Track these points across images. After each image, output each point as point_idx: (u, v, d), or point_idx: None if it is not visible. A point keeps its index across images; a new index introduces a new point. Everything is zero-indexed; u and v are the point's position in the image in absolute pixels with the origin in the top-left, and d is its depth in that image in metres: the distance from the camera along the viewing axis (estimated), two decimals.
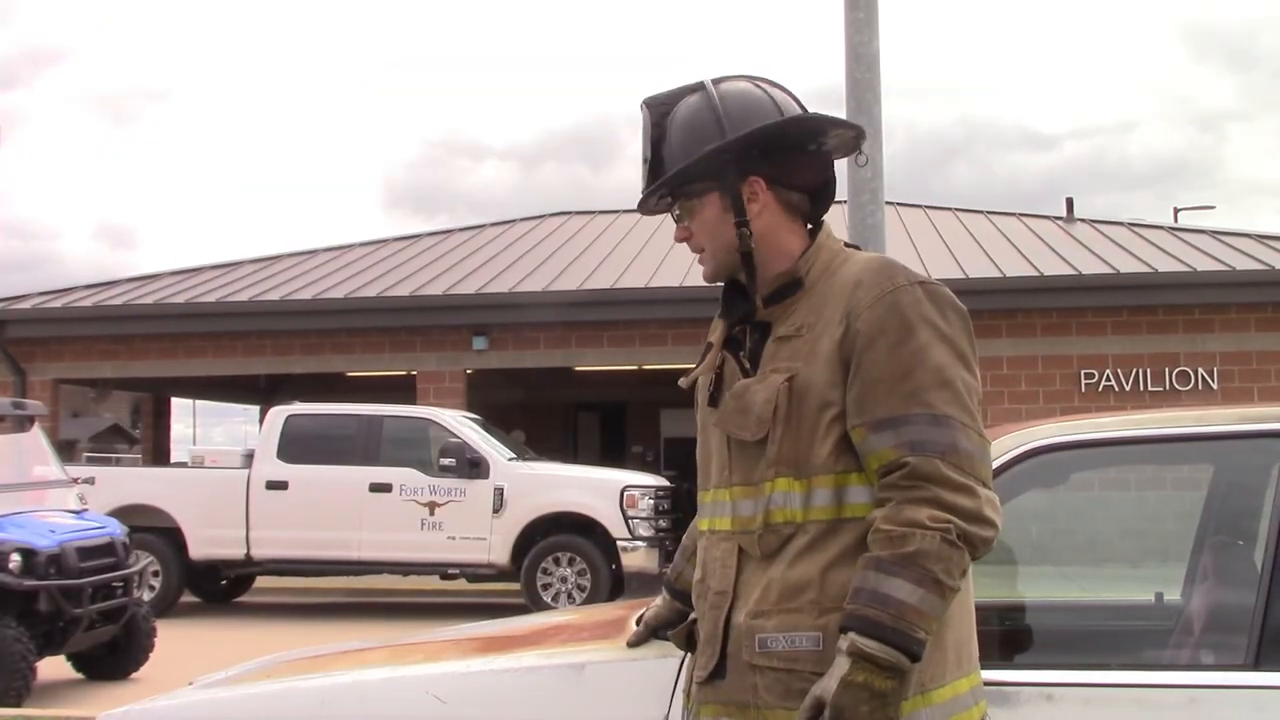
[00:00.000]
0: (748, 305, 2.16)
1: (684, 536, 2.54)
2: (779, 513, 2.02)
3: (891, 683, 1.86)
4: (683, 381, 2.31)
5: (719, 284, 2.23)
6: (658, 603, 2.55)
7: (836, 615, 1.93)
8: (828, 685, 1.87)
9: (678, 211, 2.19)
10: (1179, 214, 27.15)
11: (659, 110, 2.19)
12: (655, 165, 2.18)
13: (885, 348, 1.98)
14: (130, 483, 13.63)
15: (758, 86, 2.17)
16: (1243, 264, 15.24)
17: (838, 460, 2.00)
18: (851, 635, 1.87)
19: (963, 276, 14.83)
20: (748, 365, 2.13)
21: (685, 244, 2.21)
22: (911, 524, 1.89)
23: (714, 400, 2.17)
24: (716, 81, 2.18)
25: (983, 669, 2.14)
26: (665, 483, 13.07)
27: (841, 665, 1.87)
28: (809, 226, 2.18)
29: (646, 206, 2.27)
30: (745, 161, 2.11)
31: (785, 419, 2.02)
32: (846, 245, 2.19)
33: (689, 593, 2.43)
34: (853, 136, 2.20)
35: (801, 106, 2.19)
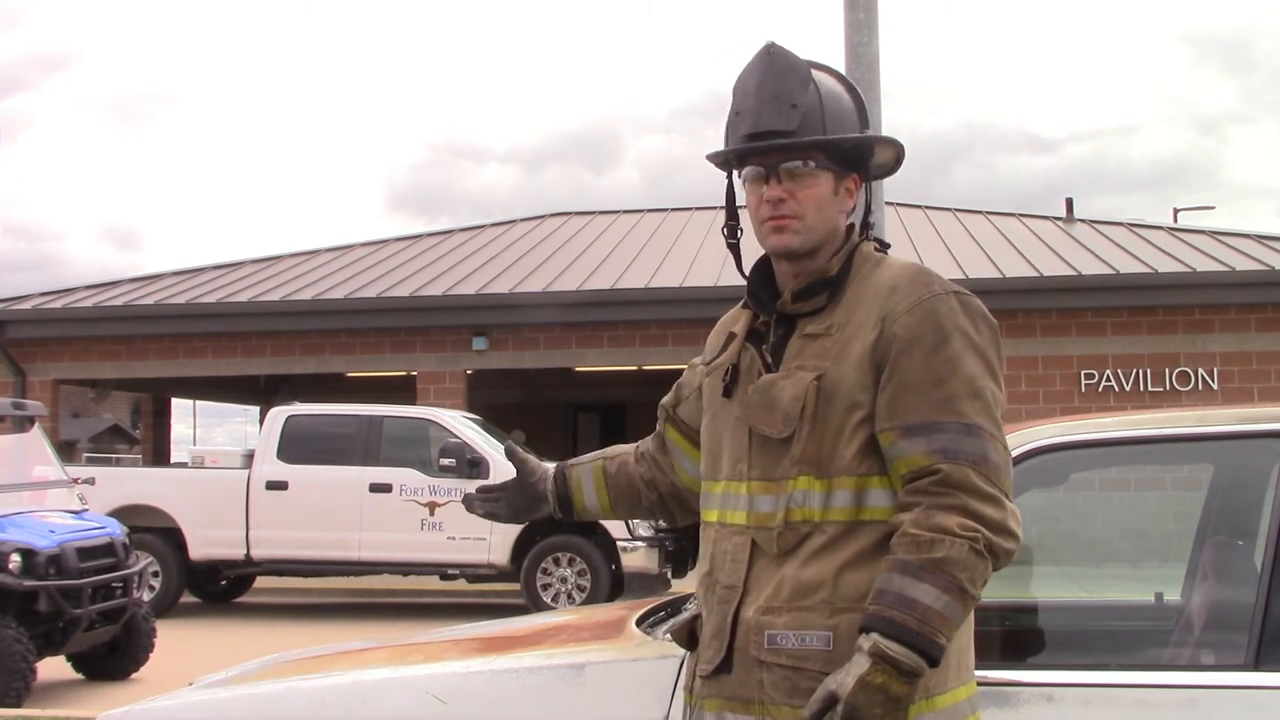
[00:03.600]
0: (775, 298, 2.15)
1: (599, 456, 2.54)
2: (798, 511, 2.02)
3: (908, 687, 1.86)
4: (703, 368, 2.30)
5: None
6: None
7: (848, 616, 1.94)
8: (844, 681, 1.87)
9: (794, 166, 2.09)
10: (1178, 214, 27.15)
11: (807, 70, 2.14)
12: (807, 119, 2.08)
13: (920, 354, 1.99)
14: (130, 483, 13.60)
15: None
16: (1243, 264, 15.24)
17: (861, 462, 2.00)
18: (875, 636, 1.87)
19: (963, 277, 14.81)
20: (769, 359, 2.12)
21: (771, 202, 2.10)
22: (941, 530, 1.90)
23: (728, 391, 2.16)
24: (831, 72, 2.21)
25: (983, 669, 2.14)
26: None
27: (861, 664, 1.87)
28: None
29: (765, 147, 2.10)
30: (864, 161, 2.18)
31: (812, 418, 2.02)
32: (878, 249, 2.19)
33: (564, 477, 2.50)
34: (884, 174, 2.30)
35: None
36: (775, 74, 2.11)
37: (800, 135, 2.09)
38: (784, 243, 2.11)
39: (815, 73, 2.16)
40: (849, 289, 2.10)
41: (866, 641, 1.87)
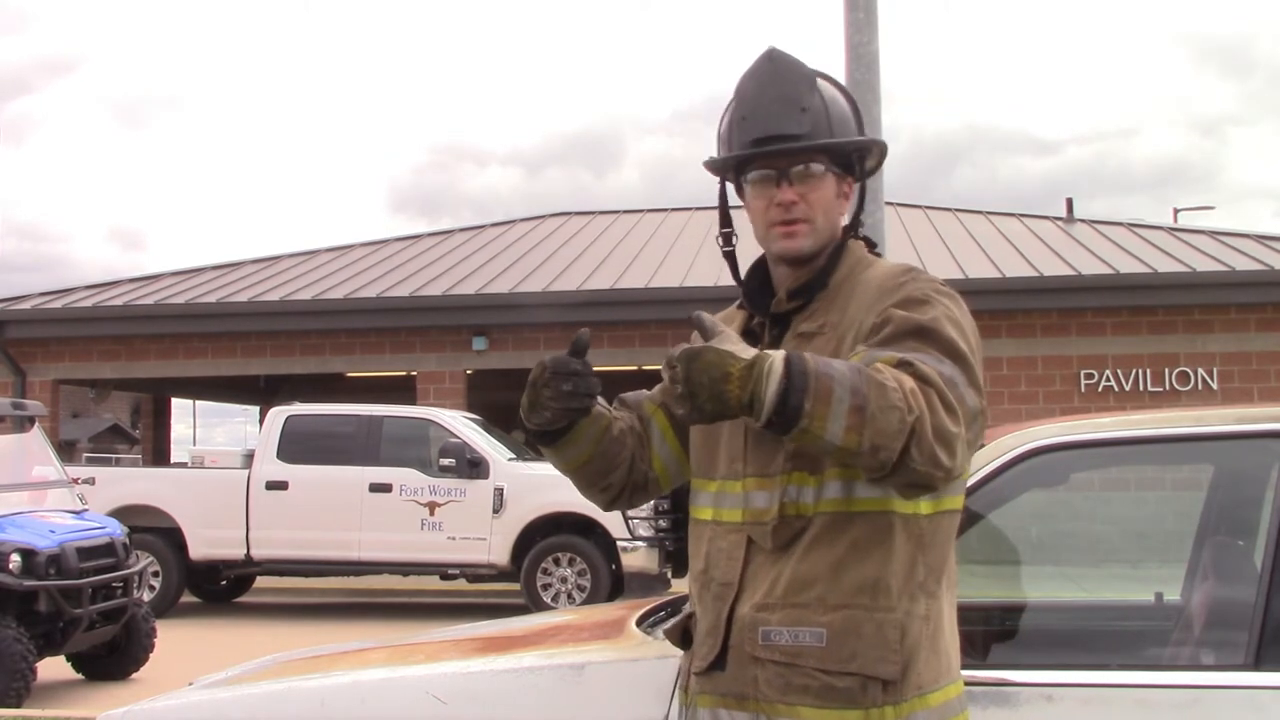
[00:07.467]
0: (770, 299, 2.16)
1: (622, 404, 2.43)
2: (793, 506, 2.01)
3: (740, 391, 1.78)
4: None
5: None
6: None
7: (843, 612, 1.94)
8: (714, 346, 1.81)
9: (803, 169, 2.11)
10: (1178, 215, 27.14)
11: (812, 74, 2.16)
12: (815, 122, 2.10)
13: (903, 314, 1.97)
14: (130, 483, 13.61)
15: None
16: (1243, 264, 15.25)
17: None
18: (780, 353, 1.81)
19: (963, 277, 14.83)
20: None
21: (783, 205, 2.10)
22: (897, 380, 1.81)
23: None
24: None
25: (983, 669, 2.14)
26: None
27: (745, 349, 1.81)
28: None
29: (780, 150, 2.11)
30: (859, 164, 2.19)
31: None
32: (869, 251, 2.21)
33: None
34: (868, 177, 2.29)
35: None
36: (780, 79, 2.13)
37: (810, 139, 2.11)
38: (796, 247, 2.12)
39: (817, 78, 2.18)
40: (843, 287, 2.11)
41: (774, 353, 1.81)
